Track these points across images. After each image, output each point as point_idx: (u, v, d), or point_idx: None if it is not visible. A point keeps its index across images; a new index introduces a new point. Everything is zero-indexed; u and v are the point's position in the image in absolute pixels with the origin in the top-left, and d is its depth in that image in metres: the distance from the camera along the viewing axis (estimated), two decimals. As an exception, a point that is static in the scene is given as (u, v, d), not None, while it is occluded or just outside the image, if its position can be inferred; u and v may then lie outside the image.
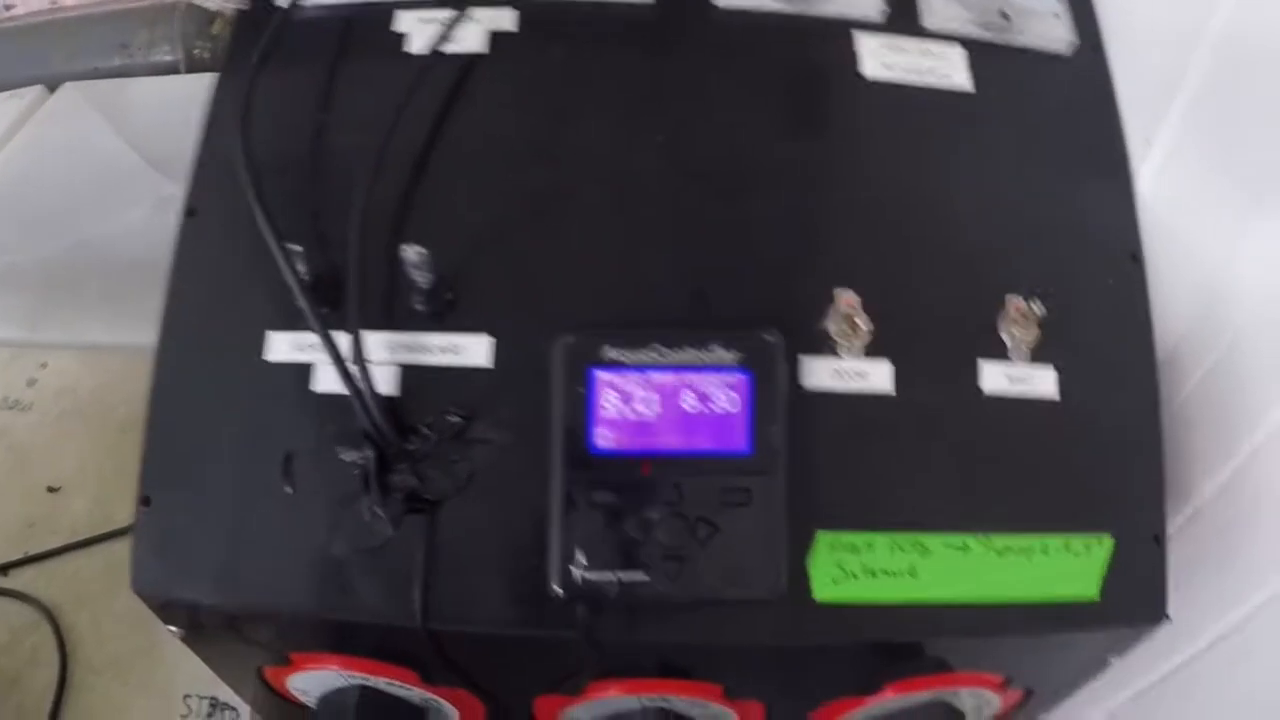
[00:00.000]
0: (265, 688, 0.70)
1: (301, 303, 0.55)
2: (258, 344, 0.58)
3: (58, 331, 1.05)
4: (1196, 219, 0.62)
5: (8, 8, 1.16)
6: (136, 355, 0.59)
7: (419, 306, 0.57)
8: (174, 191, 0.63)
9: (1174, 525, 0.68)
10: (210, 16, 0.94)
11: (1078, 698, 0.73)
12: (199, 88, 0.65)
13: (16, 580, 0.90)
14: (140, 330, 0.60)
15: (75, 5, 1.13)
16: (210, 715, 0.85)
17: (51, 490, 0.95)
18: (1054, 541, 0.58)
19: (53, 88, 1.08)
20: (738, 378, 0.53)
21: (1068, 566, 0.58)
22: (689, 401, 0.52)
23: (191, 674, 0.74)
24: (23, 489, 0.95)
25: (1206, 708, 0.67)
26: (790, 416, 0.54)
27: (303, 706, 0.69)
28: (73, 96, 1.07)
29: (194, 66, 0.94)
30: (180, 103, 0.68)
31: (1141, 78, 0.65)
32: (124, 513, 0.59)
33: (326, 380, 0.57)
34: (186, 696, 0.85)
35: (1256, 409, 0.60)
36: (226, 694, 0.82)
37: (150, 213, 1.03)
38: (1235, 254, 0.61)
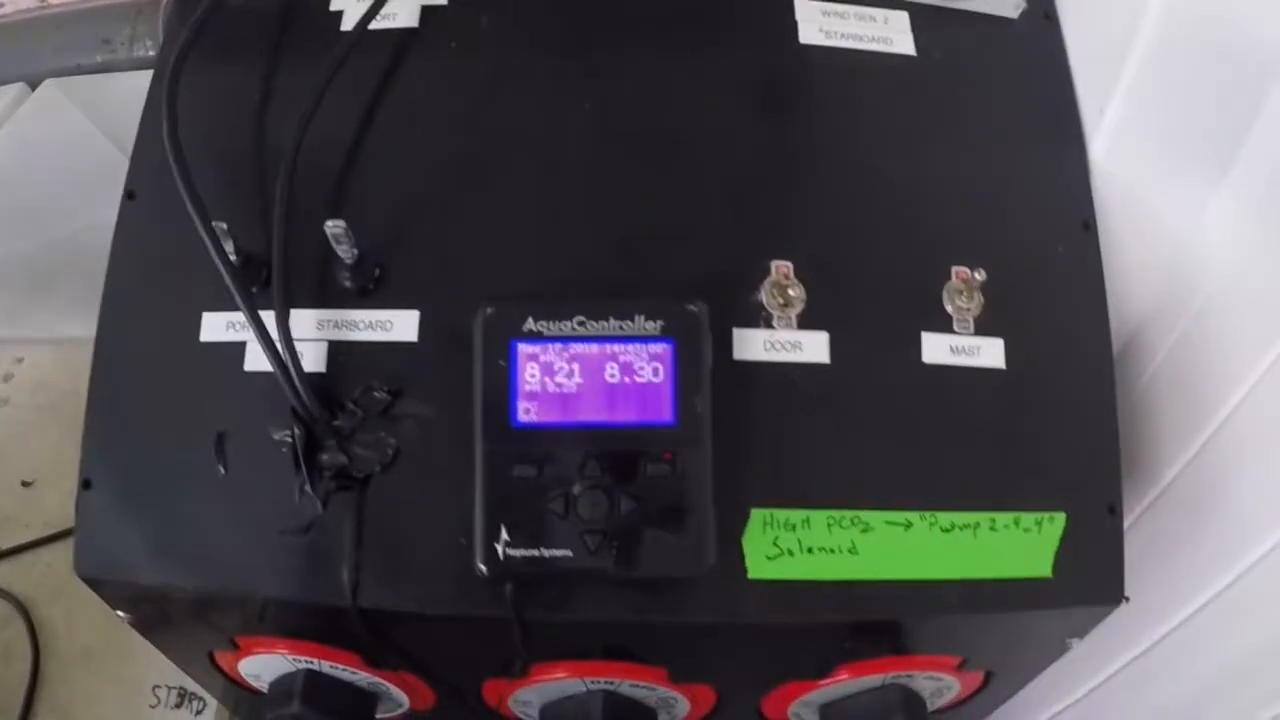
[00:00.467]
0: (226, 677, 0.70)
1: (227, 280, 0.54)
2: (194, 325, 0.58)
3: (35, 327, 1.05)
4: (1158, 187, 0.60)
5: (-3, 8, 1.16)
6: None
7: (347, 282, 0.56)
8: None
9: (1141, 507, 0.66)
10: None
11: (1028, 701, 0.71)
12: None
13: (-10, 575, 0.90)
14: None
15: (62, 3, 1.13)
16: (178, 705, 0.84)
17: (25, 484, 0.95)
18: (1003, 518, 0.56)
19: (34, 84, 1.08)
20: (661, 348, 0.51)
21: (1018, 543, 0.57)
22: (612, 372, 0.51)
23: (161, 665, 0.74)
24: (-3, 483, 0.95)
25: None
26: (718, 387, 0.52)
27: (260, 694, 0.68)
28: (53, 93, 1.07)
29: (177, 62, 0.94)
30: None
31: (1094, 41, 0.63)
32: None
33: (257, 359, 0.56)
34: (156, 687, 0.85)
35: (1225, 379, 0.58)
36: (194, 684, 0.82)
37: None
38: (1199, 222, 0.59)
